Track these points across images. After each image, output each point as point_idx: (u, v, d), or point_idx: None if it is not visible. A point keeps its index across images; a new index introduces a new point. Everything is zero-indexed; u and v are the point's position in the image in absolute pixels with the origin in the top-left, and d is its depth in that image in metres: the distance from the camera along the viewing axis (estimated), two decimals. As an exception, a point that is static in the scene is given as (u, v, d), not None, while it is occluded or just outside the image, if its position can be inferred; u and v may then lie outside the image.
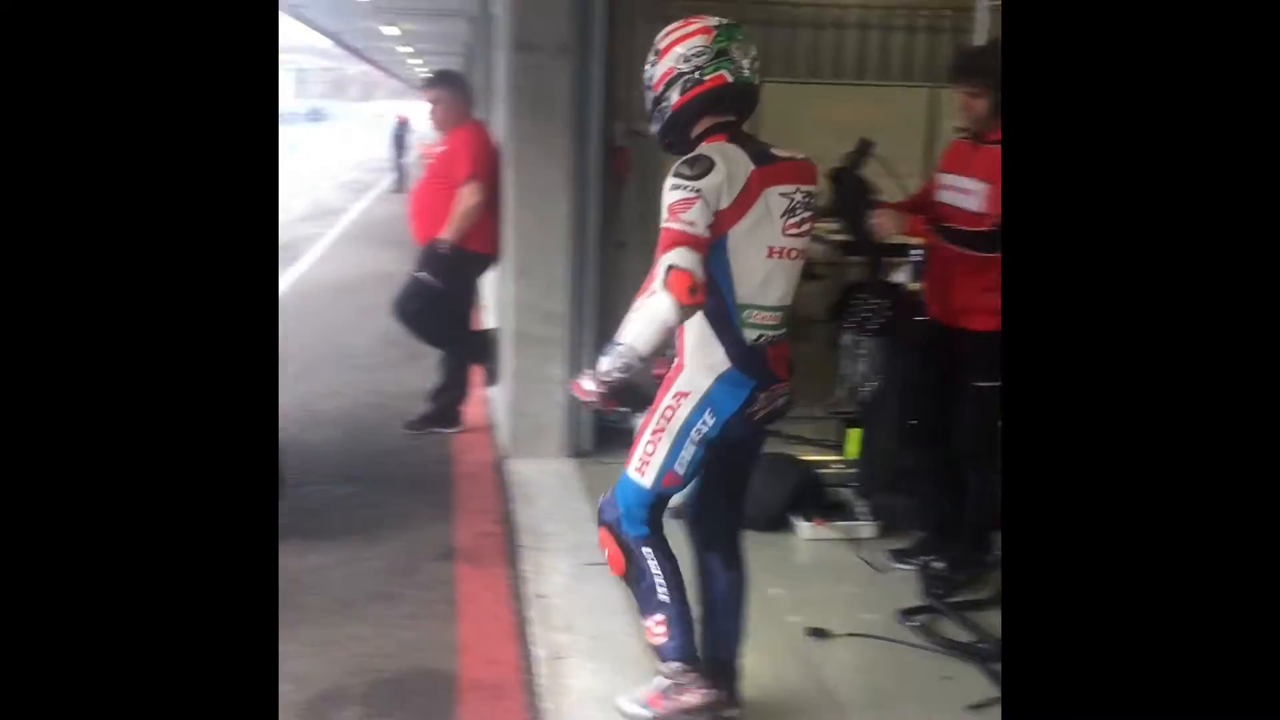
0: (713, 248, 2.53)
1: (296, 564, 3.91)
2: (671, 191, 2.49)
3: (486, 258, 5.32)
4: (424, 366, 6.59)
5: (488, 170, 5.09)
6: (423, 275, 5.22)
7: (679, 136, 2.69)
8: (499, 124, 5.41)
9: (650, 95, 2.70)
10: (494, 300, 6.16)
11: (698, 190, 2.48)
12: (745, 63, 2.64)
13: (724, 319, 2.62)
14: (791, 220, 2.63)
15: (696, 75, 2.62)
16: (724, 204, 2.52)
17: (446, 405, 5.53)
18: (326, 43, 27.97)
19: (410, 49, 26.89)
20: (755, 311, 2.63)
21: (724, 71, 2.61)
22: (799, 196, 2.64)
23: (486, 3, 8.66)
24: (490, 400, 6.03)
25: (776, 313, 2.68)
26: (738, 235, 2.56)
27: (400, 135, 22.43)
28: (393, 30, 20.01)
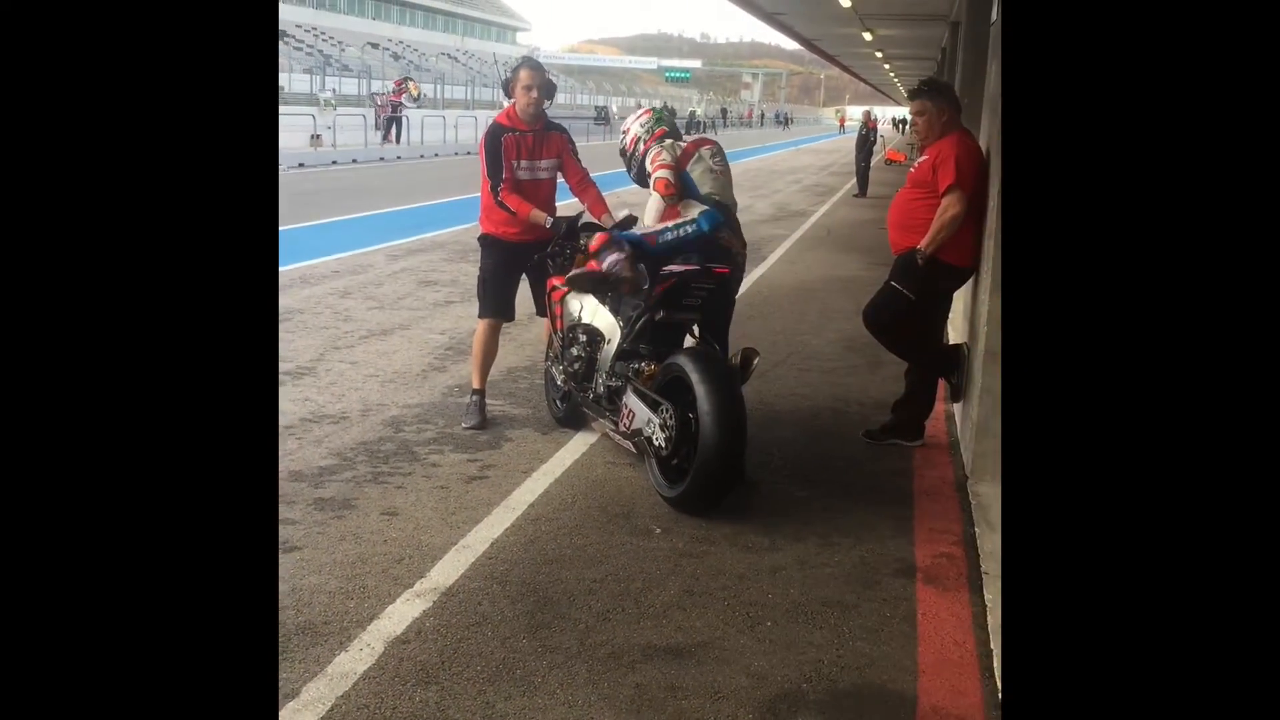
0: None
1: (756, 561, 4.01)
2: None
3: (963, 270, 5.18)
4: (884, 375, 6.56)
5: (971, 180, 4.94)
6: (897, 285, 5.16)
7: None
8: (984, 132, 5.22)
9: None
10: (964, 314, 5.98)
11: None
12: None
13: None
14: None
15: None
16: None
17: (910, 418, 5.43)
18: (792, 46, 28.85)
19: (880, 53, 26.88)
20: None
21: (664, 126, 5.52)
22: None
23: (977, 9, 8.42)
24: (953, 417, 5.87)
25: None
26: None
27: (866, 138, 22.45)
28: (867, 34, 20.10)
